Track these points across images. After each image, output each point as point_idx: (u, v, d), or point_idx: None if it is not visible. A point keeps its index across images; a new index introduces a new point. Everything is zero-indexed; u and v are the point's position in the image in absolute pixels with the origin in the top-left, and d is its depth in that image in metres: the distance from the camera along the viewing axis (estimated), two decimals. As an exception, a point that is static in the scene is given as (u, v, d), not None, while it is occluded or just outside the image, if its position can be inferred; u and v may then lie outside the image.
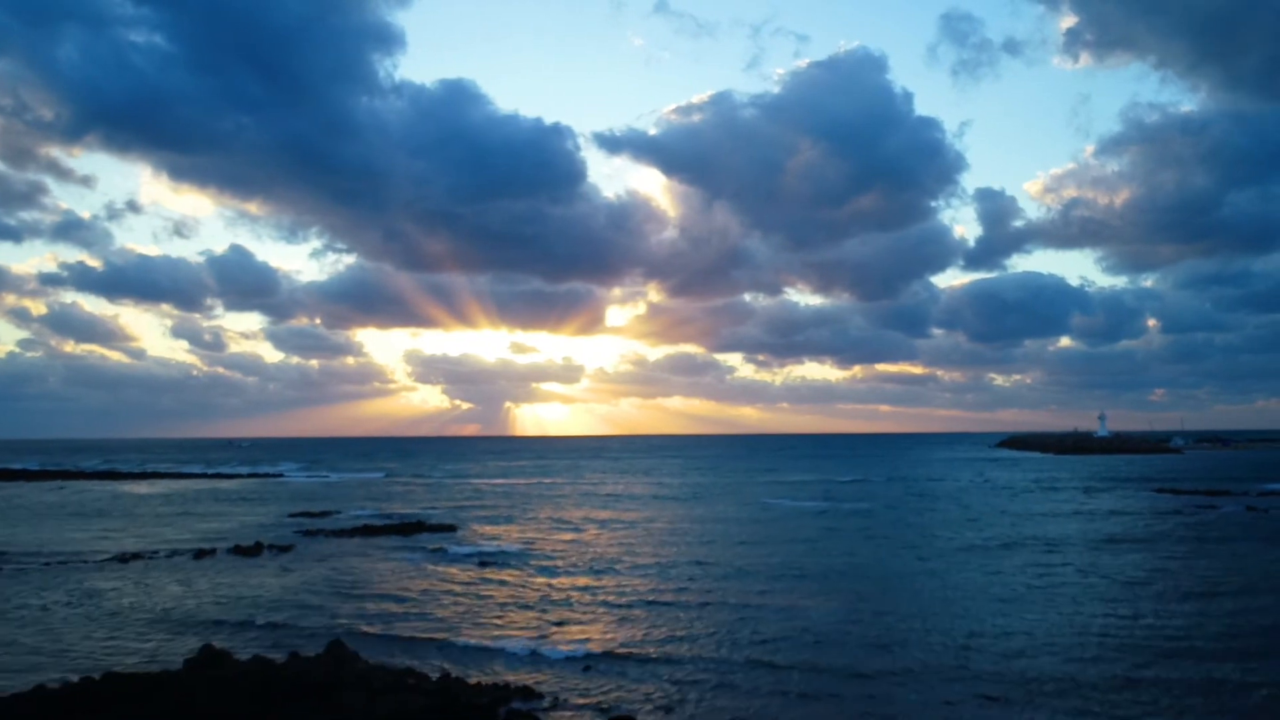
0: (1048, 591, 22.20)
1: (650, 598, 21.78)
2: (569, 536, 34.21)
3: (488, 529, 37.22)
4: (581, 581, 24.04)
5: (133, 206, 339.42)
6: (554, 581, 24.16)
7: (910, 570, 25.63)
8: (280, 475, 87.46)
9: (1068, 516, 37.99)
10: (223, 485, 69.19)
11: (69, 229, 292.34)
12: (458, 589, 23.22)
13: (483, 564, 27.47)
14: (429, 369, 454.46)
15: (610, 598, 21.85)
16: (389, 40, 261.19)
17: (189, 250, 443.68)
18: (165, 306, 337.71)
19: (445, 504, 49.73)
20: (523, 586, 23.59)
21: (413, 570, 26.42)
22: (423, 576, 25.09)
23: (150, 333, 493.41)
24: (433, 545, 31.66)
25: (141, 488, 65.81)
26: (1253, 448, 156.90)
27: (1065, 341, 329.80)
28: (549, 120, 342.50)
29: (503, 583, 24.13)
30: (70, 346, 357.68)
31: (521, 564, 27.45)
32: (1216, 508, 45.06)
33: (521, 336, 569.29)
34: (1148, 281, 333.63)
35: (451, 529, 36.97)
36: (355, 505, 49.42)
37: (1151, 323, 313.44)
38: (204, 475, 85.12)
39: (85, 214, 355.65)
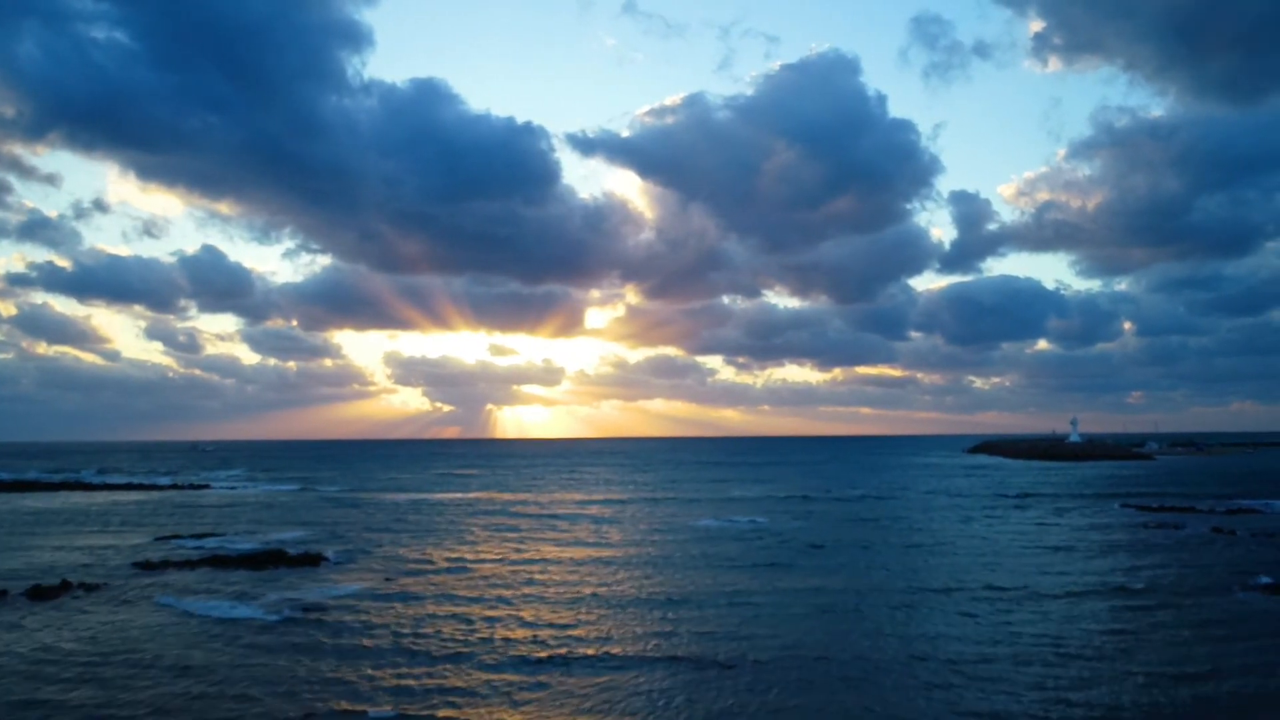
0: (944, 665, 18.00)
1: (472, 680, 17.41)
2: (437, 579, 29.76)
3: (356, 565, 32.66)
4: (406, 634, 19.64)
5: (100, 206, 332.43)
6: (365, 642, 19.71)
7: (799, 614, 21.41)
8: (206, 486, 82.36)
9: (1018, 553, 33.89)
10: (121, 498, 64.10)
11: (35, 229, 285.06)
12: (231, 657, 18.71)
13: (305, 610, 22.98)
14: (409, 371, 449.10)
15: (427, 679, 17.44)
16: (356, 38, 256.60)
17: (160, 250, 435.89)
18: (138, 308, 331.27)
19: (348, 525, 45.21)
20: (320, 655, 19.11)
21: (212, 629, 21.83)
22: (206, 641, 20.50)
23: (124, 334, 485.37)
24: (273, 586, 27.13)
25: (28, 501, 60.59)
26: (1225, 453, 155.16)
27: (1042, 344, 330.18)
28: (521, 121, 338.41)
29: (303, 649, 19.61)
30: (42, 348, 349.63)
31: (355, 615, 22.93)
32: (1181, 527, 41.55)
33: (500, 338, 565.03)
34: (1121, 285, 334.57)
35: (314, 562, 32.39)
36: (241, 526, 44.71)
37: (1127, 326, 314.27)
38: (114, 486, 79.69)
39: (52, 213, 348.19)
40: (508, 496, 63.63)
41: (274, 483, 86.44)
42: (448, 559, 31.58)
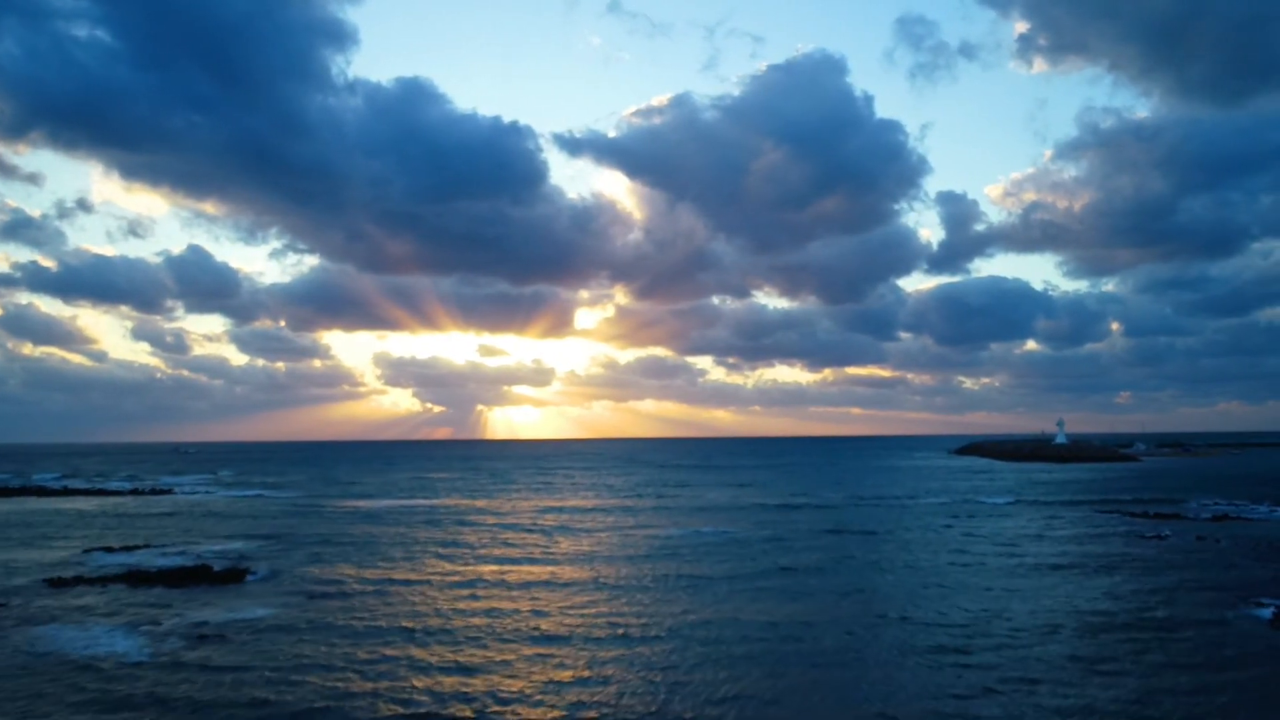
0: None
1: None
2: (354, 601, 27.61)
3: (278, 584, 30.44)
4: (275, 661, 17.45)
5: (83, 205, 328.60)
6: (223, 691, 17.52)
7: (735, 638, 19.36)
8: (169, 492, 79.77)
9: (990, 573, 31.93)
10: (72, 505, 61.57)
11: (18, 228, 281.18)
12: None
13: (194, 640, 20.80)
14: (398, 372, 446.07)
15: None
16: (340, 37, 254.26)
17: (145, 251, 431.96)
18: (124, 308, 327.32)
19: (292, 536, 43.01)
20: (151, 711, 16.94)
21: (61, 673, 19.59)
22: (49, 680, 18.26)
23: (110, 335, 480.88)
24: (178, 608, 24.91)
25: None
26: (1212, 454, 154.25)
27: (1031, 345, 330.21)
28: (507, 120, 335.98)
29: (132, 704, 17.42)
30: (28, 349, 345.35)
31: (236, 651, 20.74)
32: (1164, 538, 39.79)
33: (490, 339, 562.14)
34: (1108, 286, 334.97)
35: (238, 578, 30.17)
36: (179, 536, 42.37)
37: (1114, 326, 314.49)
38: (71, 492, 76.87)
39: (35, 213, 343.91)
40: (471, 503, 61.46)
41: (239, 488, 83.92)
42: (376, 578, 29.30)
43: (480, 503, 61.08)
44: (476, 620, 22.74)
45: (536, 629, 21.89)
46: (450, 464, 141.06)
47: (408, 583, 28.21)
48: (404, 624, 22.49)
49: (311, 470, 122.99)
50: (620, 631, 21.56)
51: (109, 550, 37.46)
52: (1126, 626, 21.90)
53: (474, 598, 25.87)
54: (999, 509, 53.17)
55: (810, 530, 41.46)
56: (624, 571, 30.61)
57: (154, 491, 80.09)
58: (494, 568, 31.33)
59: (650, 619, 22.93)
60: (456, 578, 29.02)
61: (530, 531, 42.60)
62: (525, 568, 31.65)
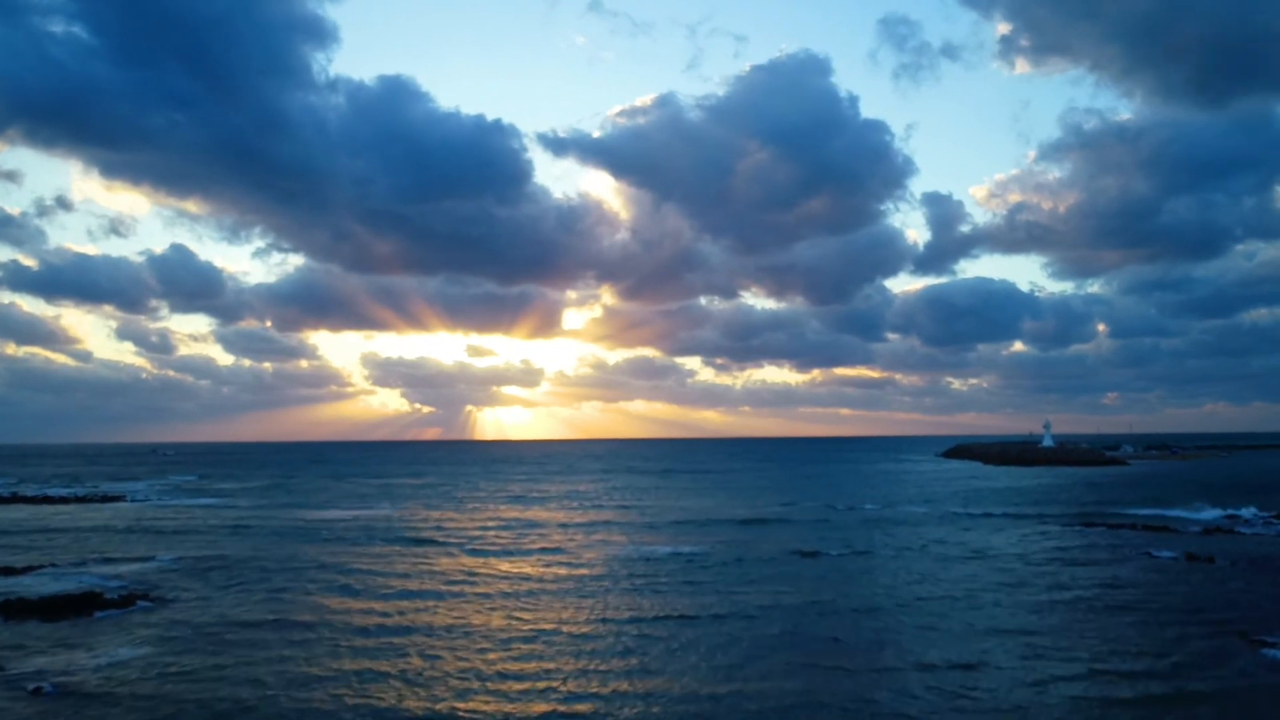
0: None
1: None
2: (238, 639, 24.56)
3: (167, 615, 27.31)
4: None
5: (63, 203, 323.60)
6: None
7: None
8: (120, 499, 76.34)
9: (963, 607, 29.07)
10: (2, 516, 58.04)
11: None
12: None
13: (20, 698, 17.72)
14: (386, 372, 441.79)
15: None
16: (320, 34, 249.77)
17: (128, 250, 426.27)
18: (108, 308, 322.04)
19: (215, 556, 39.95)
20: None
21: None
22: None
23: (94, 335, 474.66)
24: (32, 649, 21.77)
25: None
26: (1199, 457, 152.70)
27: (1018, 346, 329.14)
28: (491, 119, 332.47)
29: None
30: (11, 349, 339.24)
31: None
32: (1153, 555, 37.18)
33: (477, 339, 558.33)
34: (1093, 287, 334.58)
35: (127, 604, 27.05)
36: (91, 553, 39.03)
37: (1100, 328, 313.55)
38: (12, 500, 73.13)
39: (14, 210, 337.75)
40: (426, 515, 58.31)
41: (194, 495, 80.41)
42: (271, 618, 25.64)
43: (435, 514, 57.75)
44: (342, 691, 18.70)
45: (400, 705, 18.07)
46: (427, 468, 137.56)
47: (300, 625, 24.78)
48: (265, 682, 19.16)
49: (280, 474, 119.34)
50: (490, 707, 18.53)
51: (5, 572, 34.15)
52: (1129, 704, 17.67)
53: (356, 652, 22.03)
54: (979, 522, 50.42)
55: (775, 553, 38.05)
56: (546, 607, 27.49)
57: (103, 499, 76.56)
58: (402, 605, 27.83)
59: (551, 682, 19.91)
60: (357, 620, 25.45)
61: (471, 554, 39.29)
62: (436, 606, 28.12)
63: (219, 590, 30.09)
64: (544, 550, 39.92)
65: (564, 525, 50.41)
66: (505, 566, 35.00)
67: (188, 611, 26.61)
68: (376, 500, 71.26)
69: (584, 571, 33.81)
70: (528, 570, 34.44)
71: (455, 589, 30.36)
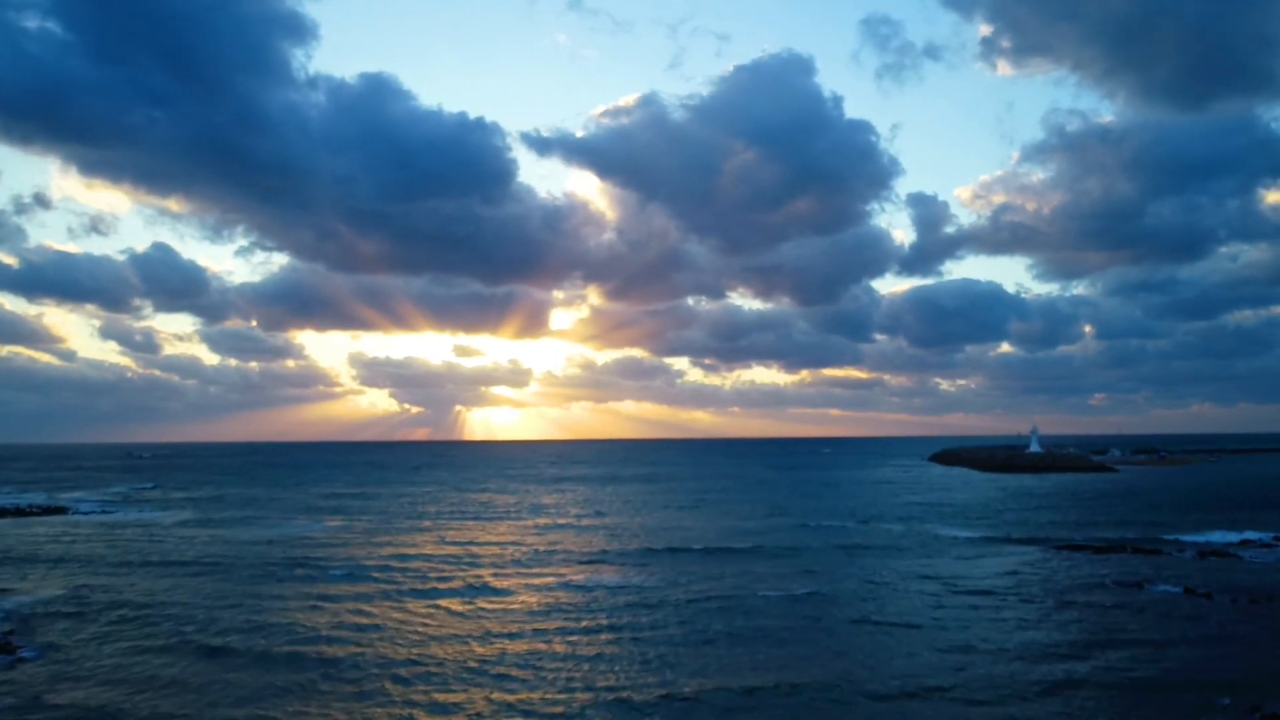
0: None
1: None
2: (101, 694, 20.97)
3: (45, 663, 23.70)
4: None
5: (42, 201, 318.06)
6: None
7: None
8: (61, 510, 72.43)
9: (926, 667, 25.79)
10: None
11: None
12: None
13: None
14: (374, 372, 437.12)
15: None
16: (300, 30, 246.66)
17: (109, 248, 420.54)
18: (90, 307, 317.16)
19: (133, 584, 36.22)
20: None
21: None
22: None
23: (78, 334, 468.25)
24: None
25: None
26: (1187, 462, 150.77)
27: (1005, 347, 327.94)
28: (473, 117, 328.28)
29: None
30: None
31: None
32: (1144, 587, 34.03)
33: (464, 339, 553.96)
34: (1079, 288, 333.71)
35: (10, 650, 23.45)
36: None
37: (1087, 329, 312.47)
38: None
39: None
40: (368, 535, 54.55)
41: (140, 507, 76.33)
42: (138, 678, 22.13)
43: (380, 536, 53.56)
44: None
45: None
46: (398, 474, 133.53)
47: (169, 687, 21.27)
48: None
49: (237, 481, 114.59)
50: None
51: None
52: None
53: (215, 705, 18.87)
54: (957, 545, 47.06)
55: (731, 591, 34.53)
56: (450, 659, 24.01)
57: (45, 511, 72.62)
58: (308, 649, 24.44)
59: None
60: (228, 683, 21.95)
61: (408, 573, 35.48)
62: (340, 652, 24.78)
63: (104, 641, 26.13)
64: (470, 589, 34.62)
65: (500, 551, 45.79)
66: (396, 615, 29.96)
67: (59, 663, 23.13)
68: (325, 513, 67.29)
69: (490, 624, 28.64)
70: (420, 623, 29.40)
71: (357, 651, 26.58)
